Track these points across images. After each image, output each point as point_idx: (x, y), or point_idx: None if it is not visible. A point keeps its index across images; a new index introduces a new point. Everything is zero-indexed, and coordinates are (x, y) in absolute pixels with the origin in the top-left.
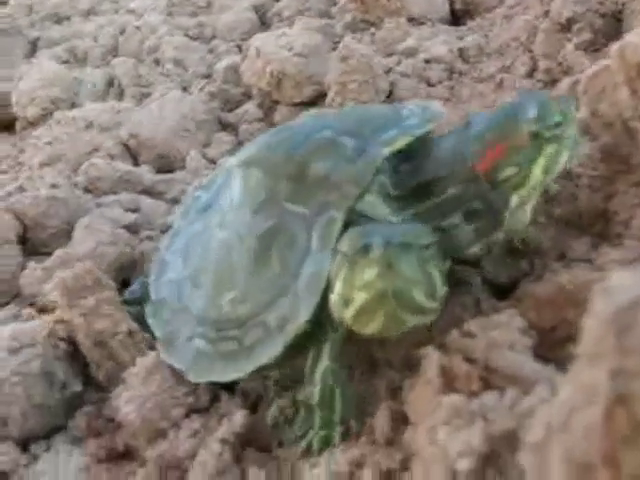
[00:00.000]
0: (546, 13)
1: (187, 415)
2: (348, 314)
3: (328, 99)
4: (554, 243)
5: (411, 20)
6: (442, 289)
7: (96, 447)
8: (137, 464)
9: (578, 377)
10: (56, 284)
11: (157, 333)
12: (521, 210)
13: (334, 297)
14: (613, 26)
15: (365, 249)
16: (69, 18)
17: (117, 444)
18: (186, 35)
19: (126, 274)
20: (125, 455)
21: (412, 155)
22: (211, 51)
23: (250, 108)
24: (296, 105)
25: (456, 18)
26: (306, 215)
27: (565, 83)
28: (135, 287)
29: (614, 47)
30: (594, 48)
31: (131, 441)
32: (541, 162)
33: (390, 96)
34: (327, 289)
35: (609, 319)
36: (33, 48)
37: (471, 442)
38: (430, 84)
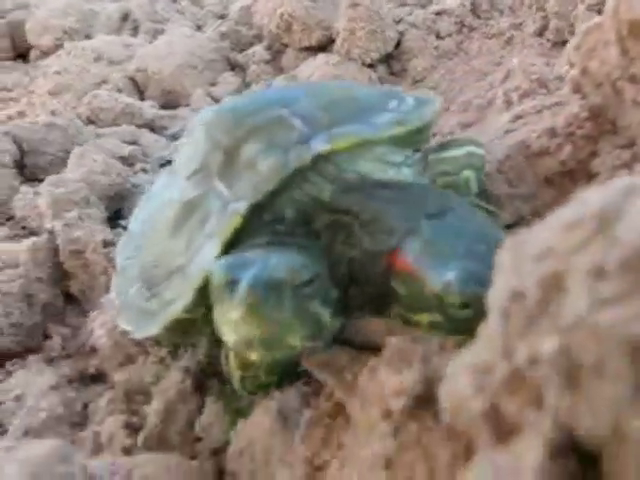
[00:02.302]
0: None
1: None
2: (225, 343)
3: (336, 46)
4: (530, 201)
5: None
6: (332, 324)
7: (69, 368)
8: (105, 387)
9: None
10: (45, 196)
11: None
12: None
13: (215, 321)
14: None
15: (230, 286)
16: None
17: (89, 367)
18: None
19: (117, 204)
20: (96, 378)
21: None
22: None
23: (259, 50)
24: (305, 49)
25: None
26: (225, 197)
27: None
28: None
29: (608, 2)
30: None
31: (102, 365)
32: (433, 317)
33: (398, 46)
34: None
35: (512, 244)
36: None
37: (407, 383)
38: (439, 37)
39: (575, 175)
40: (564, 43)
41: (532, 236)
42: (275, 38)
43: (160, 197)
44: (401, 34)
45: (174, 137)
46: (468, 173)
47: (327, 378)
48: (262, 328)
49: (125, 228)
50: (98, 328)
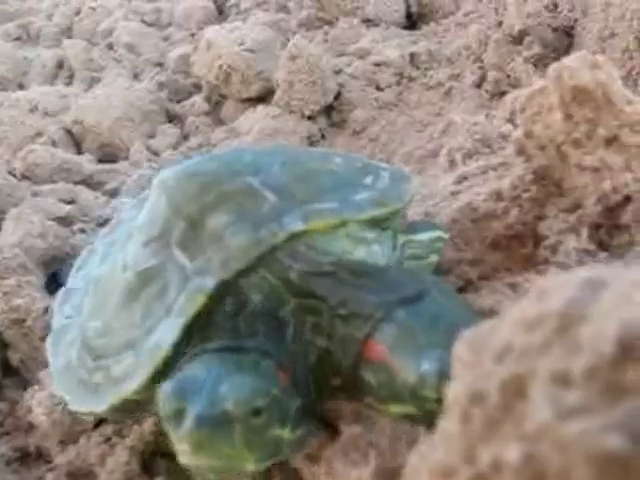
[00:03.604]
0: (499, 23)
1: (100, 420)
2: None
3: (276, 97)
4: (478, 265)
5: (366, 21)
6: (293, 437)
7: (7, 447)
8: (47, 468)
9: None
10: None
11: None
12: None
13: None
14: (564, 41)
15: (177, 417)
16: None
17: (29, 445)
18: (142, 20)
19: (55, 268)
20: (36, 457)
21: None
22: (166, 39)
23: (198, 101)
24: (244, 101)
25: (411, 22)
26: (187, 270)
27: (510, 97)
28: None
29: (551, 68)
30: (544, 62)
31: (42, 443)
32: (402, 410)
33: (338, 97)
34: (167, 364)
35: (472, 339)
36: None
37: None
38: (379, 88)
39: (522, 238)
40: (502, 94)
41: (492, 331)
42: (214, 89)
43: (108, 257)
44: (341, 85)
45: (113, 193)
46: (434, 257)
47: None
48: (211, 461)
49: None
50: (36, 405)
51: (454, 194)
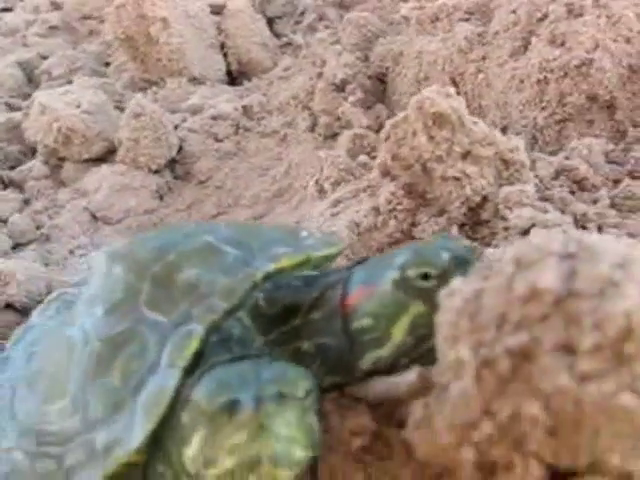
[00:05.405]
0: (320, 75)
1: None
2: (210, 474)
3: (119, 156)
4: None
5: (192, 80)
6: (319, 432)
7: None
8: None
9: (443, 359)
10: None
11: None
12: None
13: (191, 452)
14: (379, 87)
15: (231, 407)
16: None
17: None
18: None
19: None
20: None
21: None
22: None
23: (36, 165)
24: (84, 161)
25: (232, 79)
26: (164, 325)
27: (345, 136)
28: None
29: (412, 100)
30: (367, 105)
31: None
32: (404, 322)
33: (180, 151)
34: (170, 415)
35: (460, 308)
36: None
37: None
38: (218, 139)
39: (402, 244)
40: (335, 135)
41: (477, 298)
42: (52, 152)
43: (35, 354)
44: (182, 139)
45: None
46: None
47: None
48: (272, 445)
49: None
50: None
51: (334, 215)
